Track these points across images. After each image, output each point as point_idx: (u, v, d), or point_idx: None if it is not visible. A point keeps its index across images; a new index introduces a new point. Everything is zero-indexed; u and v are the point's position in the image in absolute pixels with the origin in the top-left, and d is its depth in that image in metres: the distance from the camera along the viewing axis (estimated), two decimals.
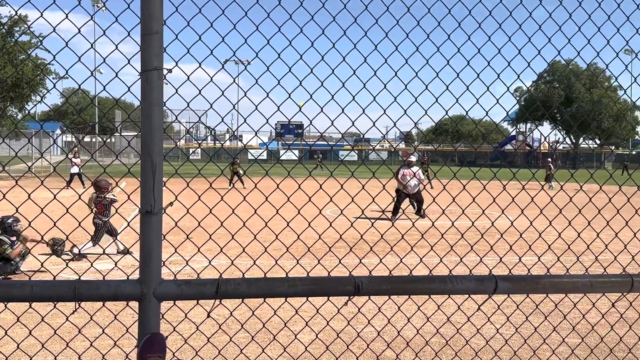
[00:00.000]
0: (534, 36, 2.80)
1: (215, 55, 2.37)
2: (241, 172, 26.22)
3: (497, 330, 3.14)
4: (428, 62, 2.73)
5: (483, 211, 2.90)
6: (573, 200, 2.87)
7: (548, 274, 2.30)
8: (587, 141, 75.41)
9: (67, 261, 9.40)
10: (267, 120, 2.58)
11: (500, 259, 2.67)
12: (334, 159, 63.67)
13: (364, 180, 2.80)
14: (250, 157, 56.26)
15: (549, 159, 31.91)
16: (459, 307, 3.26)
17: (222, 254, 2.65)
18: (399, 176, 16.20)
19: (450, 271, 2.64)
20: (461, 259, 2.76)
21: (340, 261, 2.85)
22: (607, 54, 3.10)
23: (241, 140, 53.87)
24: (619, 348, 3.99)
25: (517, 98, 66.19)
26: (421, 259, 2.73)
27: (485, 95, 2.85)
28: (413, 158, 18.44)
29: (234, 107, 2.53)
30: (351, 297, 2.16)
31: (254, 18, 2.39)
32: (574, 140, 75.04)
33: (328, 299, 2.46)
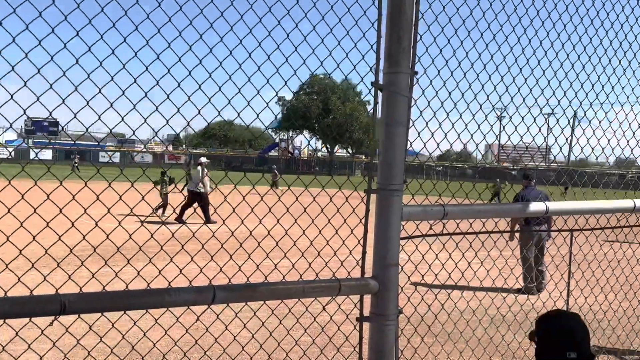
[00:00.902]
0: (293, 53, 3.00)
1: None
2: None
3: (235, 337, 3.27)
4: (190, 73, 2.75)
5: (242, 221, 3.01)
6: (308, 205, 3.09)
7: (265, 281, 2.43)
8: (341, 150, 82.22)
9: None
10: (11, 125, 2.35)
11: (221, 268, 2.77)
12: (93, 159, 59.71)
13: (128, 184, 2.67)
14: None
15: (274, 166, 34.00)
16: (198, 317, 3.32)
17: None
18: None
19: (169, 282, 2.63)
20: (181, 270, 2.77)
21: (45, 278, 2.69)
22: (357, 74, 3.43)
23: None
24: (347, 344, 4.36)
25: (280, 108, 69.35)
26: (138, 272, 2.68)
27: (253, 103, 2.98)
28: (203, 159, 17.54)
29: None
30: (57, 316, 2.02)
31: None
32: (330, 149, 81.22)
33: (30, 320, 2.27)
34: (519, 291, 8.82)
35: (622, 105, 4.57)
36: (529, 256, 9.28)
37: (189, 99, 2.71)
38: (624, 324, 6.01)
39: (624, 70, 4.27)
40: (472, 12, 3.44)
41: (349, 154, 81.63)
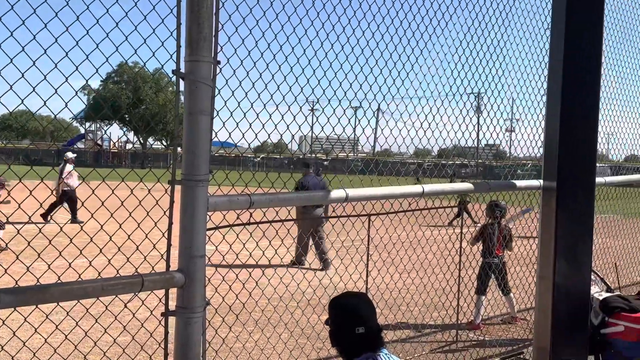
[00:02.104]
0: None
1: None
2: None
3: (46, 339, 3.03)
4: None
5: (29, 217, 2.75)
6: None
7: (59, 281, 2.27)
8: (155, 142, 79.35)
9: None
10: None
11: (6, 270, 2.57)
12: None
13: None
14: None
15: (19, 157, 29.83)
16: (3, 322, 3.00)
17: None
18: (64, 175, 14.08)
19: None
20: None
21: None
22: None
23: None
24: (153, 341, 4.14)
25: (86, 97, 64.74)
26: None
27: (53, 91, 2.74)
28: (69, 154, 15.39)
29: None
30: None
31: None
32: (142, 141, 77.99)
33: None
34: (292, 264, 9.54)
35: (418, 100, 5.02)
36: (305, 236, 10.19)
37: None
38: (416, 299, 6.63)
39: (412, 65, 4.67)
40: (272, 4, 3.51)
41: (163, 146, 78.78)
